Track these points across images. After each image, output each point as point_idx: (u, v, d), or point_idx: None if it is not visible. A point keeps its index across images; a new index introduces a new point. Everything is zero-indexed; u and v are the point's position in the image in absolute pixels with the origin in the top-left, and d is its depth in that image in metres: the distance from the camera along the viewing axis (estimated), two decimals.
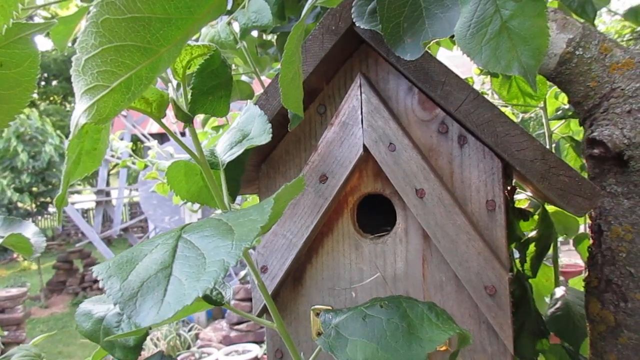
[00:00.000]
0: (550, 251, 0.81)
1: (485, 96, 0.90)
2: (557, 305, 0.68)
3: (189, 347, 4.26)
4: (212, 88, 0.32)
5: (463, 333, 0.31)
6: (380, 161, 0.42)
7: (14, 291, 5.13)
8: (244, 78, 0.93)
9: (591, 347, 0.53)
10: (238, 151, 0.35)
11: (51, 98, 14.19)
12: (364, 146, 0.42)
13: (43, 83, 14.07)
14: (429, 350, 0.29)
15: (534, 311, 0.61)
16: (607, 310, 0.50)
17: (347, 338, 0.32)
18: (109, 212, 7.58)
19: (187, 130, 0.34)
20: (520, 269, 0.62)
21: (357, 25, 0.37)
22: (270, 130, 0.37)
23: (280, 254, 0.45)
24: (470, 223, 0.40)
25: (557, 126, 0.86)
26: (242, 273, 4.60)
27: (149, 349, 4.08)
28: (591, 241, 0.53)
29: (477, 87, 0.89)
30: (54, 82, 13.99)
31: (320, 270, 0.46)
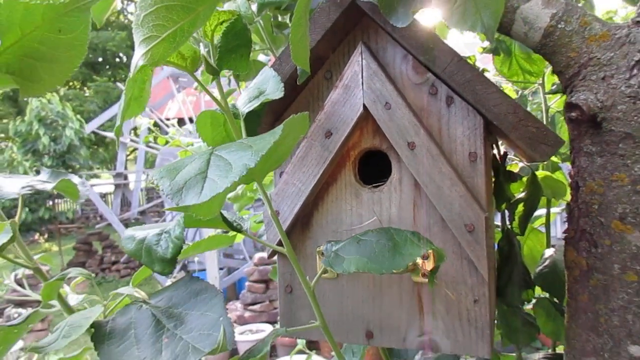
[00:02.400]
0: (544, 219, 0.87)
1: (487, 73, 0.95)
2: (545, 264, 0.75)
3: None
4: (235, 47, 0.39)
5: (438, 250, 0.37)
6: (377, 118, 0.48)
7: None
8: (260, 57, 0.99)
9: (567, 291, 0.59)
10: (255, 104, 0.42)
11: (71, 84, 14.43)
12: (364, 106, 0.49)
13: None
14: (409, 262, 0.36)
15: (521, 264, 0.67)
16: (581, 256, 0.56)
17: (344, 257, 0.39)
18: (127, 196, 7.77)
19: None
20: (510, 226, 0.69)
21: None
22: (283, 88, 0.44)
23: (290, 200, 0.52)
24: (454, 171, 0.46)
25: (553, 101, 0.91)
26: (257, 256, 4.72)
27: None
28: (570, 197, 0.59)
29: (479, 65, 0.94)
30: None
31: (325, 216, 0.53)
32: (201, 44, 0.38)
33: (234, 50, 0.39)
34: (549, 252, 0.77)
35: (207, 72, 0.38)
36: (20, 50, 0.43)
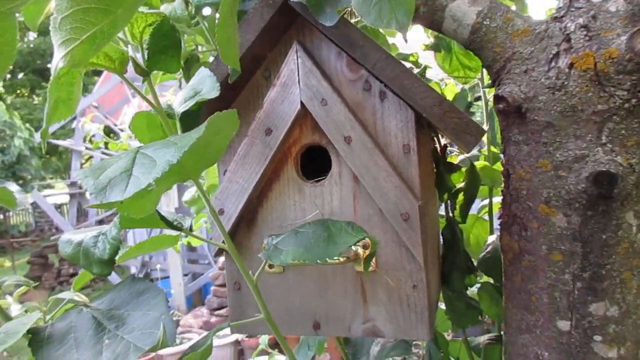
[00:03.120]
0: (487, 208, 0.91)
1: (429, 69, 0.99)
2: (487, 250, 0.78)
3: None
4: (164, 48, 0.39)
5: (371, 238, 0.39)
6: (315, 115, 0.50)
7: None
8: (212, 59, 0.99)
9: (503, 274, 0.62)
10: (190, 103, 0.43)
11: (18, 91, 13.80)
12: (301, 103, 0.50)
13: (9, 76, 13.67)
14: (341, 249, 0.38)
15: (463, 251, 0.71)
16: (513, 240, 0.59)
17: (282, 249, 0.41)
18: (84, 205, 7.51)
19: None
20: (451, 215, 0.72)
21: None
22: (219, 87, 0.45)
23: (234, 197, 0.53)
24: (389, 163, 0.48)
25: (491, 95, 0.95)
26: (222, 259, 4.67)
27: None
28: (502, 185, 0.62)
29: (422, 61, 0.97)
30: (20, 75, 13.60)
31: (269, 212, 0.54)
32: (129, 46, 0.38)
33: (163, 51, 0.39)
34: (491, 238, 0.81)
35: (137, 73, 0.38)
36: None
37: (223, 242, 0.54)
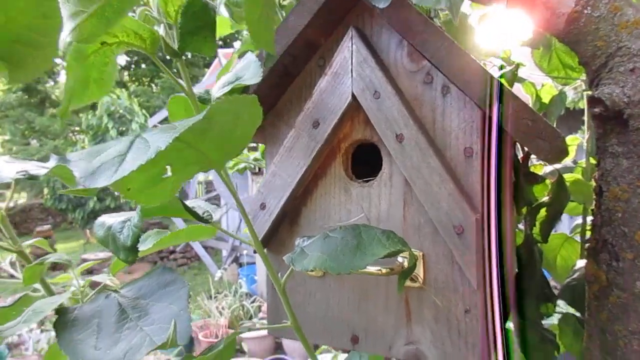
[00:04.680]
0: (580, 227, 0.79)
1: (522, 68, 0.88)
2: (574, 276, 0.67)
3: (250, 318, 4.48)
4: (197, 29, 0.37)
5: (411, 252, 0.34)
6: (366, 108, 0.45)
7: (102, 255, 5.66)
8: None
9: (587, 308, 0.53)
10: (227, 89, 0.40)
11: (139, 80, 15.24)
12: (353, 94, 0.46)
13: (133, 67, 15.13)
14: (368, 262, 0.33)
15: (541, 275, 0.61)
16: (601, 269, 0.50)
17: (308, 254, 0.37)
18: (185, 188, 8.08)
19: None
20: (529, 232, 0.62)
21: None
22: (262, 73, 0.42)
23: (277, 192, 0.50)
24: (444, 166, 0.42)
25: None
26: None
27: (214, 316, 4.35)
28: (594, 204, 0.52)
29: (515, 59, 0.87)
30: (143, 66, 14.99)
31: (313, 211, 0.51)
32: (161, 25, 0.37)
33: (195, 32, 0.37)
34: (580, 263, 0.70)
35: (167, 54, 0.36)
36: (6, 35, 0.44)
37: (262, 239, 0.51)
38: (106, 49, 0.35)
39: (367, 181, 0.48)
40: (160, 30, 0.36)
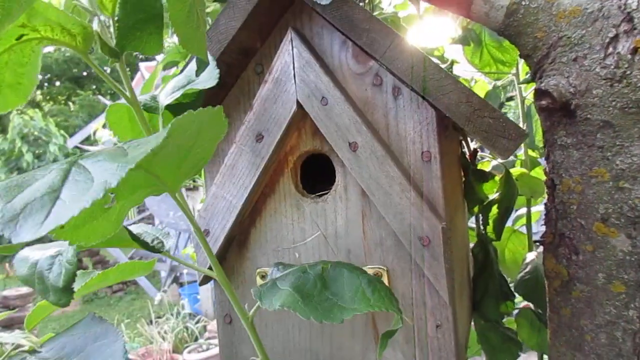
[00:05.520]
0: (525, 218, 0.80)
1: (457, 65, 0.89)
2: (526, 269, 0.67)
3: (196, 339, 4.30)
4: (140, 22, 0.30)
5: (396, 313, 0.30)
6: (313, 116, 0.41)
7: (24, 290, 5.20)
8: None
9: (549, 304, 0.52)
10: (177, 95, 0.34)
11: (55, 99, 14.28)
12: (298, 102, 0.42)
13: (46, 84, 14.16)
14: (346, 317, 0.29)
15: (498, 274, 0.60)
16: (561, 264, 0.49)
17: (280, 288, 0.32)
18: None
19: None
20: (483, 231, 0.62)
21: None
22: (218, 75, 0.37)
23: (221, 216, 0.45)
24: (404, 174, 0.39)
25: (530, 91, 0.84)
26: None
27: (157, 342, 4.13)
28: (546, 197, 0.52)
29: (448, 56, 0.87)
30: (57, 83, 14.08)
31: (264, 233, 0.46)
32: (95, 19, 0.30)
33: (139, 27, 0.30)
34: (530, 256, 0.70)
35: (104, 53, 0.30)
36: None
37: (210, 267, 0.45)
38: (24, 47, 0.28)
39: (321, 196, 0.44)
40: (94, 24, 0.30)
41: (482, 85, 0.91)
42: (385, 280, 0.41)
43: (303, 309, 0.28)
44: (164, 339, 4.18)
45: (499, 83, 0.87)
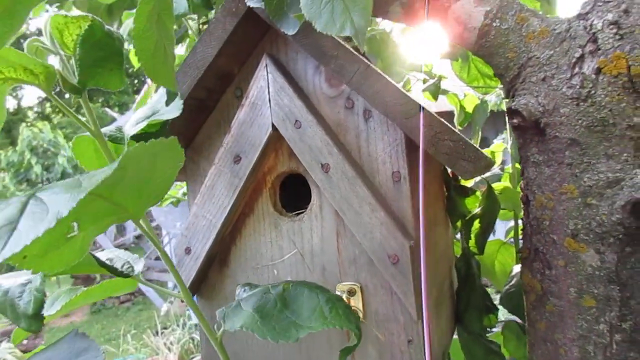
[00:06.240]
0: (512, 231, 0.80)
1: (445, 80, 0.90)
2: (512, 282, 0.68)
3: None
4: (99, 60, 0.33)
5: (352, 330, 0.31)
6: (288, 138, 0.43)
7: None
8: None
9: (527, 317, 0.53)
10: (142, 125, 0.36)
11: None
12: (273, 125, 0.43)
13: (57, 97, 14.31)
14: (302, 335, 0.30)
15: (480, 287, 0.61)
16: (535, 279, 0.50)
17: (242, 309, 0.33)
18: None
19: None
20: (466, 245, 0.63)
21: (247, 4, 0.38)
22: (182, 105, 0.38)
23: (201, 235, 0.46)
24: (373, 194, 0.40)
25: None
26: None
27: (163, 353, 4.14)
28: (522, 213, 0.53)
29: (436, 72, 0.89)
30: (66, 96, 14.24)
31: (243, 251, 0.47)
32: (57, 57, 0.32)
33: (99, 65, 0.33)
34: (516, 268, 0.71)
35: (66, 90, 0.32)
36: None
37: (190, 285, 0.47)
38: None
39: (298, 214, 0.46)
40: (56, 63, 0.32)
41: (471, 99, 0.93)
42: (360, 297, 0.43)
43: (260, 329, 0.30)
44: (169, 350, 4.19)
45: (486, 97, 0.88)
